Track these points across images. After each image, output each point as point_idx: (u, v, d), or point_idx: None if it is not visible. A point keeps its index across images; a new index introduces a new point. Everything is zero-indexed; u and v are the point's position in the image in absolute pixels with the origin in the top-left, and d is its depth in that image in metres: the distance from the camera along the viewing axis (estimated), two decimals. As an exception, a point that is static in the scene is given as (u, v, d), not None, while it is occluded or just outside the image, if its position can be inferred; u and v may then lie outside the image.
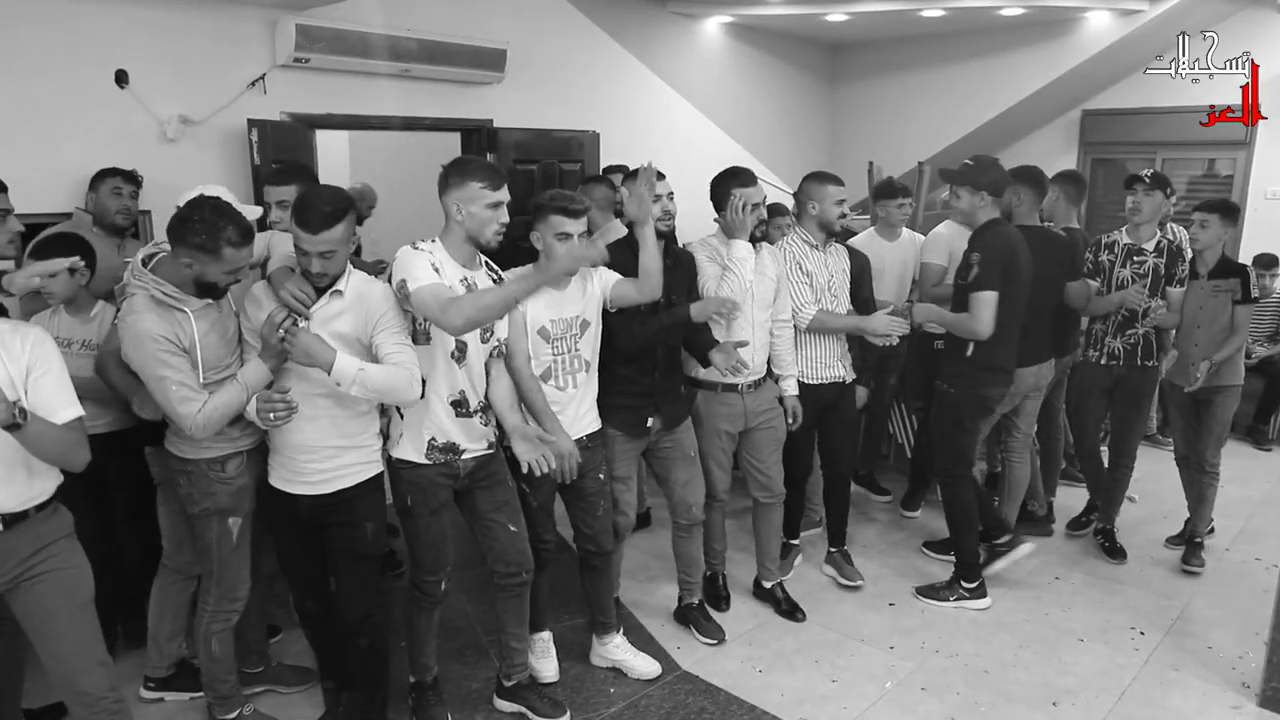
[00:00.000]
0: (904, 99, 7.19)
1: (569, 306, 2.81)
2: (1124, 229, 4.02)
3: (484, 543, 2.78)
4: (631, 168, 3.04)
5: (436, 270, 2.42)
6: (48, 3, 3.63)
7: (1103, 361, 4.02)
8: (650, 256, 2.83)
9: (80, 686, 2.19)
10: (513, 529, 2.75)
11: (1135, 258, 3.95)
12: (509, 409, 2.69)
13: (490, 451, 2.71)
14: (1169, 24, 5.86)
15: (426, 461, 2.57)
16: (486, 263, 2.66)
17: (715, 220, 3.33)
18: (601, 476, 2.98)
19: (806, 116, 7.45)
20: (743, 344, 3.16)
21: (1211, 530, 4.25)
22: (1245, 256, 6.21)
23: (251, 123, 4.14)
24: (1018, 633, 3.48)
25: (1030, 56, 6.41)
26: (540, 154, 5.34)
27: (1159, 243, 3.93)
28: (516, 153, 5.21)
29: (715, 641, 3.37)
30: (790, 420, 3.48)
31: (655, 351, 3.06)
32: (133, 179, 3.52)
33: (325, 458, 2.47)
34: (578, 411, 2.87)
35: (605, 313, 2.93)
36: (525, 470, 2.62)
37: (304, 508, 2.52)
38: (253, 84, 4.22)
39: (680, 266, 3.15)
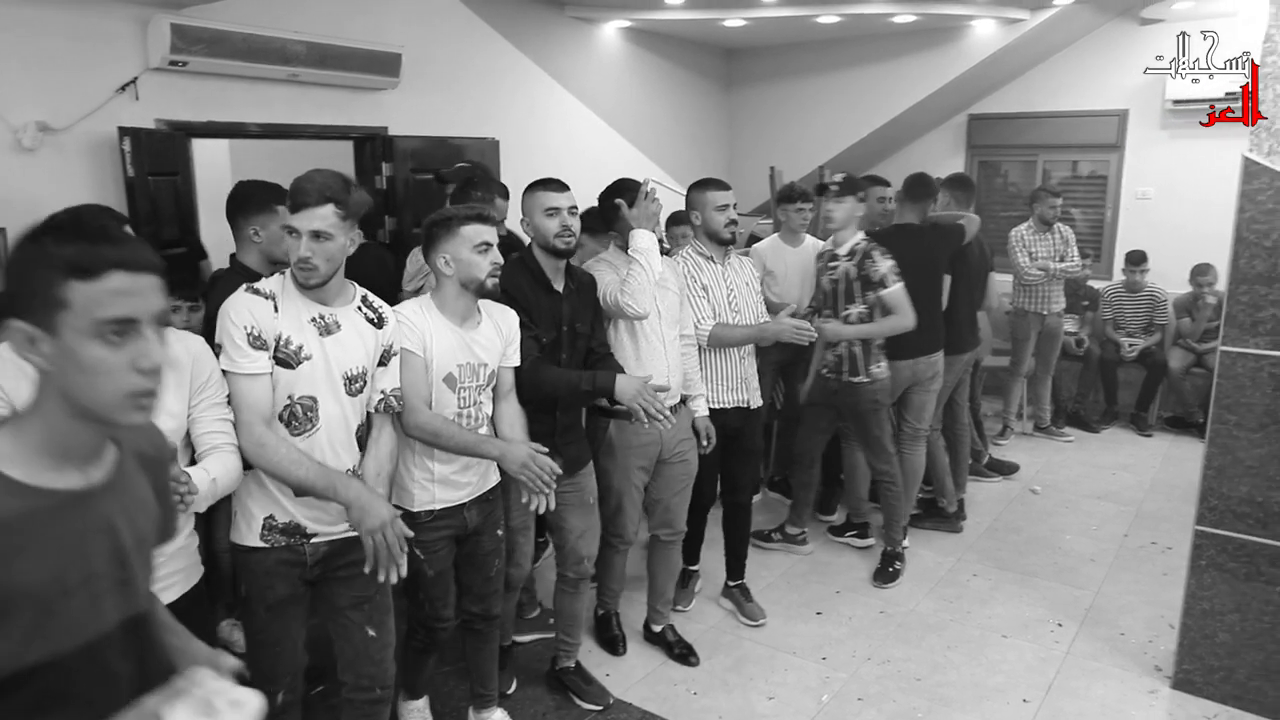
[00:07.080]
0: (800, 104, 7.27)
1: (479, 352, 2.49)
2: (831, 239, 3.82)
3: (335, 645, 2.35)
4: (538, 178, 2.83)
5: (263, 323, 2.05)
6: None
7: (825, 372, 3.89)
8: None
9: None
10: (371, 633, 2.30)
11: (830, 264, 3.78)
12: (377, 480, 2.25)
13: (352, 534, 2.15)
14: (1049, 32, 6.15)
15: (263, 545, 2.16)
16: (365, 297, 2.25)
17: (610, 235, 3.17)
18: (500, 533, 2.67)
19: (705, 121, 7.45)
20: (663, 389, 2.79)
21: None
22: (1118, 254, 6.58)
23: (123, 131, 3.79)
24: (944, 634, 3.51)
25: (921, 63, 6.58)
26: (438, 163, 5.09)
27: (854, 247, 3.71)
28: (413, 161, 4.99)
29: (601, 708, 3.04)
30: (704, 443, 3.26)
31: None
32: None
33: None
34: (481, 468, 2.55)
35: None
36: (525, 499, 2.42)
37: None
38: (123, 88, 3.86)
39: (582, 290, 2.88)
